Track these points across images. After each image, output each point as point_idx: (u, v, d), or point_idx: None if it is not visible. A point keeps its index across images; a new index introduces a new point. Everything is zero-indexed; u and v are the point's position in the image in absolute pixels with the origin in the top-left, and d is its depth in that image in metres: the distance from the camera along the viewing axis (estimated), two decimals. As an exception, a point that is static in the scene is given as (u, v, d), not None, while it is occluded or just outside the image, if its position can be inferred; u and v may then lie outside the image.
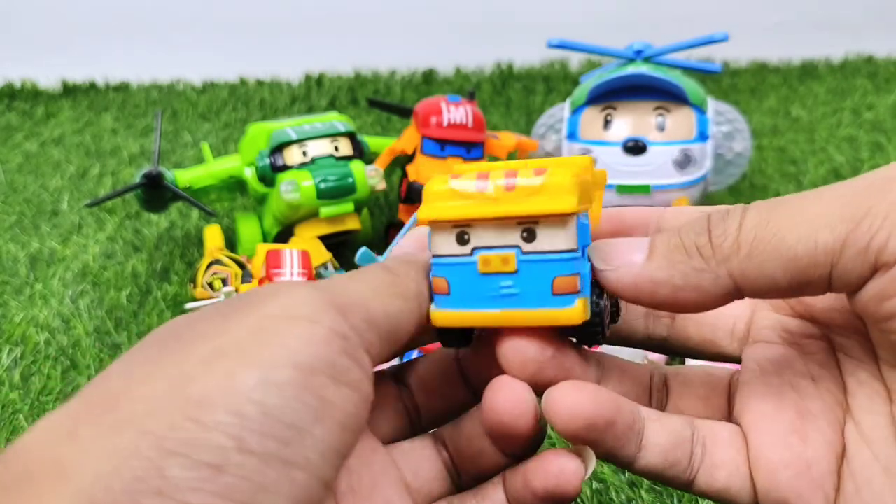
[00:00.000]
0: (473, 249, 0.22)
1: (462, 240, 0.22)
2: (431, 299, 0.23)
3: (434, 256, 0.23)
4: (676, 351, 0.27)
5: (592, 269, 0.23)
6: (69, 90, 1.34)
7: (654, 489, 0.51)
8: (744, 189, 0.93)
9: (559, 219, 0.21)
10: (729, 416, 0.25)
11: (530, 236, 0.22)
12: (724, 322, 0.26)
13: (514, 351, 0.22)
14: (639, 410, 0.23)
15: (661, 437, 0.23)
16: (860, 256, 0.19)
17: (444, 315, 0.23)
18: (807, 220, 0.19)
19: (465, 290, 0.22)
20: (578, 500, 0.51)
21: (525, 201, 0.21)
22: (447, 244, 0.22)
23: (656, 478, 0.23)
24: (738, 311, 0.26)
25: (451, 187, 0.22)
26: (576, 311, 0.21)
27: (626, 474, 0.53)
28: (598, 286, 0.22)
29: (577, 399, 0.21)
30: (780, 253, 0.19)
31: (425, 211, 0.22)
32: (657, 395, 0.26)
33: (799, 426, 0.22)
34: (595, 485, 0.52)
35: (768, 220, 0.20)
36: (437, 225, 0.23)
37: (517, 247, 0.22)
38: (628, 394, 0.25)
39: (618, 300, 0.25)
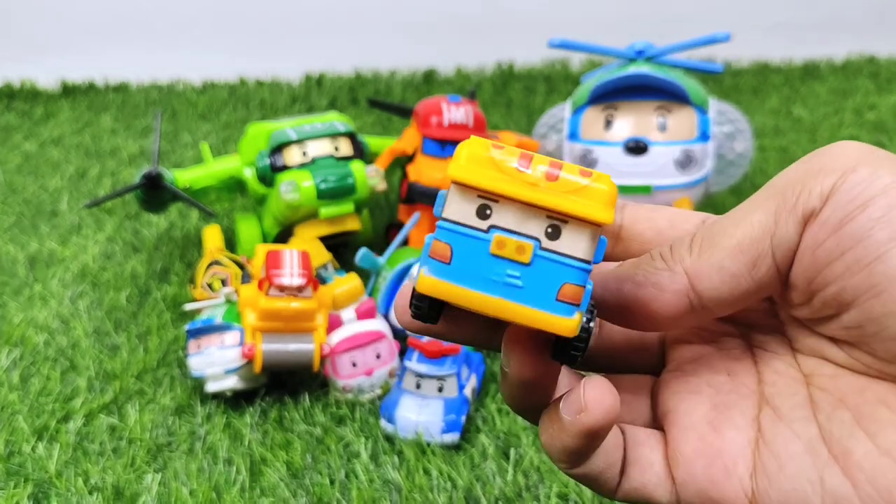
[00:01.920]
0: (491, 227, 0.21)
1: (483, 213, 0.21)
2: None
3: (441, 219, 0.21)
4: (603, 363, 0.27)
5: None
6: (68, 90, 1.34)
7: (656, 491, 0.51)
8: (745, 189, 0.93)
9: (589, 226, 0.20)
10: (653, 415, 0.25)
11: (555, 233, 0.21)
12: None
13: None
14: None
15: (610, 437, 0.23)
16: (791, 216, 0.21)
17: (435, 283, 0.21)
18: (741, 210, 0.22)
19: (469, 266, 0.21)
20: (579, 500, 0.51)
21: (564, 196, 0.20)
22: (464, 212, 0.21)
23: (590, 481, 0.23)
24: None
25: (491, 155, 0.21)
26: (572, 323, 0.20)
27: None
28: (592, 310, 0.22)
29: (611, 394, 0.22)
30: (725, 242, 0.21)
31: (457, 169, 0.21)
32: None
33: (713, 418, 0.23)
34: (596, 487, 0.52)
35: (713, 223, 0.22)
36: (463, 189, 0.21)
37: (537, 239, 0.21)
38: None
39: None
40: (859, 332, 0.21)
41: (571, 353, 0.21)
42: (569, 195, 0.20)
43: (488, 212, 0.21)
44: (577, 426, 0.21)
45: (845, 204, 0.20)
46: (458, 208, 0.21)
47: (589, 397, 0.21)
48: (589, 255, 0.21)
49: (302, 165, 0.74)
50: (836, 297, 0.20)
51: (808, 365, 0.23)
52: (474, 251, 0.21)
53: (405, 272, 0.68)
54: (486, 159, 0.21)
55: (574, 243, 0.21)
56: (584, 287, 0.21)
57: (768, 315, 0.24)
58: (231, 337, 0.61)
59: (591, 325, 0.22)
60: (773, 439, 0.22)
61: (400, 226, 0.79)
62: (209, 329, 0.62)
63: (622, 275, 0.23)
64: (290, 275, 0.61)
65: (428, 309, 0.22)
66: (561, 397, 0.22)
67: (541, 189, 0.20)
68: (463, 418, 0.57)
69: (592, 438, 0.22)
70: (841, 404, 0.21)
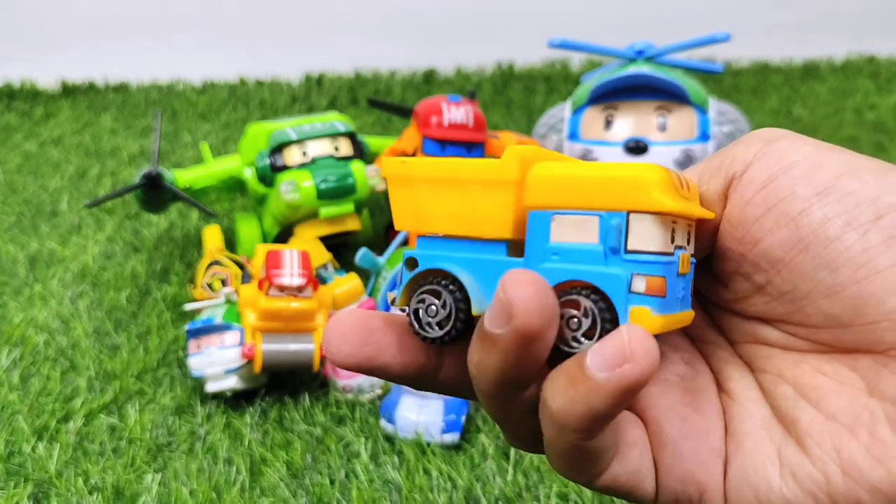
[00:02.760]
0: (676, 248, 0.20)
1: (672, 237, 0.20)
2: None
3: (633, 252, 0.20)
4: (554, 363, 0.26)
5: None
6: (68, 90, 1.34)
7: (655, 491, 0.51)
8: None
9: (696, 224, 0.22)
10: None
11: (688, 238, 0.21)
12: None
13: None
14: None
15: None
16: (713, 178, 0.22)
17: (663, 321, 0.20)
18: None
19: (671, 292, 0.20)
20: (579, 500, 0.51)
21: (696, 204, 0.21)
22: (663, 240, 0.20)
23: (589, 459, 0.21)
24: None
25: (666, 177, 0.20)
26: (693, 314, 0.22)
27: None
28: None
29: (655, 342, 0.19)
30: None
31: (661, 199, 0.19)
32: None
33: (689, 400, 0.23)
34: (596, 487, 0.52)
35: None
36: (662, 217, 0.20)
37: (685, 249, 0.21)
38: None
39: None
40: (792, 296, 0.21)
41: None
42: (695, 202, 0.21)
43: (673, 234, 0.20)
44: (615, 381, 0.18)
45: (770, 165, 0.21)
46: (658, 237, 0.20)
47: (636, 345, 0.18)
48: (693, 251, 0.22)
49: (302, 165, 0.74)
50: (766, 254, 0.21)
51: (745, 352, 0.23)
52: (672, 276, 0.20)
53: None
54: (671, 183, 0.20)
55: (692, 244, 0.22)
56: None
57: (701, 312, 0.25)
58: (231, 337, 0.61)
59: None
60: (730, 420, 0.22)
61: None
62: (209, 329, 0.62)
63: None
64: (290, 275, 0.61)
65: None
66: (574, 357, 0.20)
67: (692, 200, 0.21)
68: (463, 418, 0.57)
69: (628, 396, 0.19)
70: (780, 380, 0.22)
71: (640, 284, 0.20)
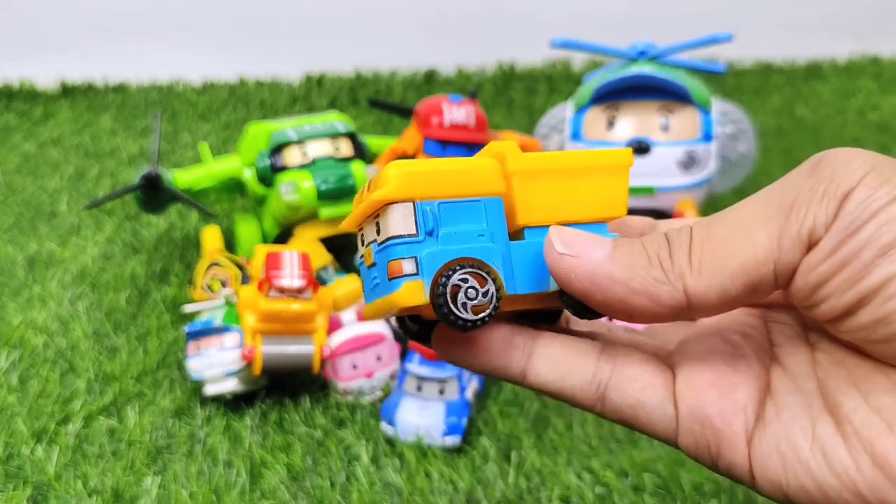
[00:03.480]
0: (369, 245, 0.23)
1: (362, 241, 0.24)
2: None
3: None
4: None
5: (547, 250, 0.22)
6: (68, 91, 1.34)
7: (657, 492, 0.51)
8: (749, 191, 0.93)
9: (386, 207, 0.22)
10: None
11: (379, 229, 0.23)
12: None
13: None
14: (515, 334, 0.24)
15: (553, 347, 0.24)
16: (795, 244, 0.21)
17: (366, 308, 0.24)
18: (742, 224, 0.21)
19: (366, 287, 0.24)
20: (580, 502, 0.50)
21: (370, 194, 0.22)
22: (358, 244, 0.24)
23: (556, 394, 0.24)
24: None
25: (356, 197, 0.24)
26: (401, 295, 0.21)
27: (629, 479, 0.52)
28: (468, 270, 0.22)
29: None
30: (727, 262, 0.21)
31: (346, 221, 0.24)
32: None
33: (730, 363, 0.23)
34: (598, 489, 0.51)
35: (710, 233, 0.22)
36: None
37: (375, 241, 0.23)
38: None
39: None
40: (853, 335, 0.22)
41: (442, 315, 0.21)
42: (373, 192, 0.22)
43: (363, 238, 0.24)
44: None
45: (840, 230, 0.20)
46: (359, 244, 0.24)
47: None
48: (401, 230, 0.22)
49: (302, 166, 0.74)
50: (830, 311, 0.21)
51: (814, 336, 0.24)
52: (364, 273, 0.24)
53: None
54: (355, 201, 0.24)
55: (388, 226, 0.22)
56: (404, 258, 0.22)
57: (783, 305, 0.25)
58: (231, 339, 0.61)
59: (458, 282, 0.22)
60: (777, 390, 0.23)
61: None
62: (209, 331, 0.62)
63: (615, 275, 0.22)
64: (290, 276, 0.60)
65: (415, 333, 0.24)
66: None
67: (362, 198, 0.23)
68: (464, 421, 0.57)
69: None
70: (839, 364, 0.22)
71: None
